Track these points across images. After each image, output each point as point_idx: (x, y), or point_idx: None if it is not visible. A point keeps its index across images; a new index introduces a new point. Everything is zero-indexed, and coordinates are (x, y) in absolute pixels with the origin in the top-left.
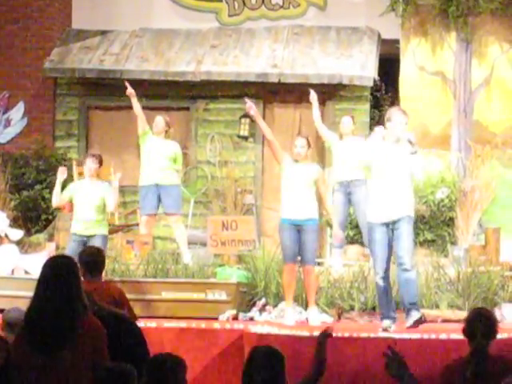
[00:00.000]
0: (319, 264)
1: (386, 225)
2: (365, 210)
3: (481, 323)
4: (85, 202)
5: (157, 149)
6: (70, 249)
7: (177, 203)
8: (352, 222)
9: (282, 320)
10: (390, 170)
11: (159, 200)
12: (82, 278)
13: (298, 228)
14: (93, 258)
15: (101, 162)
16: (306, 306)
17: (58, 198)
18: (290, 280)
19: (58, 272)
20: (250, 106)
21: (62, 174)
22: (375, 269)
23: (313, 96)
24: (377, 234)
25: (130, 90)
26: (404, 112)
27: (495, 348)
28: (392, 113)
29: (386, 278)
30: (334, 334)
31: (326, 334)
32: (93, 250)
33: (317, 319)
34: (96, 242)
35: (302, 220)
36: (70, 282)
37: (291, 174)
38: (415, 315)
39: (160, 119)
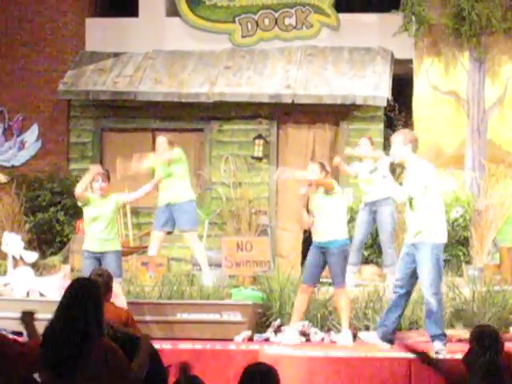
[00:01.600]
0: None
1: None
2: (389, 229)
3: (486, 342)
4: (96, 220)
5: (163, 171)
6: (86, 267)
7: (190, 219)
8: (367, 242)
9: (281, 339)
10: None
11: (172, 219)
12: None
13: (324, 251)
14: (101, 279)
15: (109, 179)
16: (321, 327)
17: (83, 186)
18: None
19: (74, 295)
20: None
21: (94, 169)
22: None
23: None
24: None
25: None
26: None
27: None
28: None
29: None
30: (348, 355)
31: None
32: (99, 272)
33: (349, 342)
34: (109, 258)
35: (325, 242)
36: (85, 304)
37: (312, 200)
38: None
39: (163, 140)
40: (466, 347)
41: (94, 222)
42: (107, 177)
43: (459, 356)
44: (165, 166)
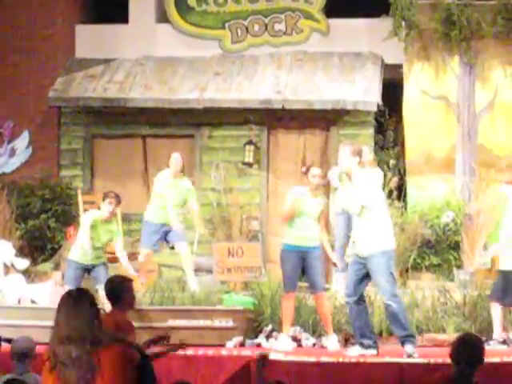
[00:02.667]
0: (325, 290)
1: None
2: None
3: (466, 350)
4: (99, 238)
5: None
6: (75, 276)
7: (180, 234)
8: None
9: (274, 345)
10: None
11: (163, 237)
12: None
13: (303, 255)
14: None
15: (120, 202)
16: (312, 332)
17: None
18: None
19: (67, 305)
20: None
21: None
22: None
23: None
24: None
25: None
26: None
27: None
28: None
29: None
30: (340, 360)
31: None
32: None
33: (337, 345)
34: (102, 270)
35: (307, 247)
36: (79, 315)
37: (301, 206)
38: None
39: (178, 157)
40: None
41: (92, 239)
42: (119, 201)
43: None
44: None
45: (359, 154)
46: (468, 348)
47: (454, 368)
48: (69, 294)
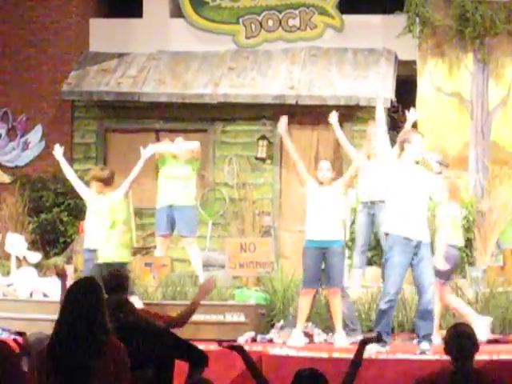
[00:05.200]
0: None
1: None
2: None
3: (459, 342)
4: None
5: (174, 170)
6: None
7: (191, 226)
8: (370, 244)
9: (285, 340)
10: (412, 193)
11: (173, 221)
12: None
13: (324, 251)
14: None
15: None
16: (324, 328)
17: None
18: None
19: (76, 296)
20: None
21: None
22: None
23: (334, 115)
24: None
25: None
26: (421, 134)
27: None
28: (411, 135)
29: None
30: (351, 356)
31: (367, 339)
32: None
33: (345, 342)
34: None
35: (328, 241)
36: (89, 305)
37: (317, 198)
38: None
39: (180, 141)
40: None
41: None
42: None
43: None
44: (182, 162)
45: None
46: (460, 339)
47: (451, 361)
48: (77, 283)
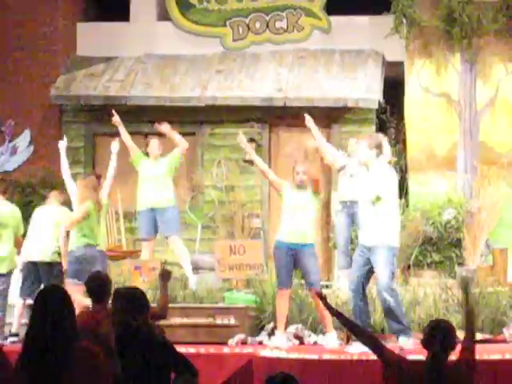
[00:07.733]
0: (327, 287)
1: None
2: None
3: (439, 336)
4: None
5: (151, 171)
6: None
7: (172, 224)
8: (353, 243)
9: (269, 343)
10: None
11: (156, 223)
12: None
13: (293, 252)
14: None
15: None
16: (313, 330)
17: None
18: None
19: (42, 303)
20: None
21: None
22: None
23: (308, 120)
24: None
25: (116, 119)
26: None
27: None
28: (382, 139)
29: None
30: (341, 357)
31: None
32: (96, 275)
33: (336, 343)
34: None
35: (297, 244)
36: (54, 311)
37: (292, 200)
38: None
39: (155, 142)
40: (458, 348)
41: None
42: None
43: (452, 357)
44: (158, 163)
45: (377, 146)
46: (440, 334)
47: (427, 354)
48: (42, 292)
